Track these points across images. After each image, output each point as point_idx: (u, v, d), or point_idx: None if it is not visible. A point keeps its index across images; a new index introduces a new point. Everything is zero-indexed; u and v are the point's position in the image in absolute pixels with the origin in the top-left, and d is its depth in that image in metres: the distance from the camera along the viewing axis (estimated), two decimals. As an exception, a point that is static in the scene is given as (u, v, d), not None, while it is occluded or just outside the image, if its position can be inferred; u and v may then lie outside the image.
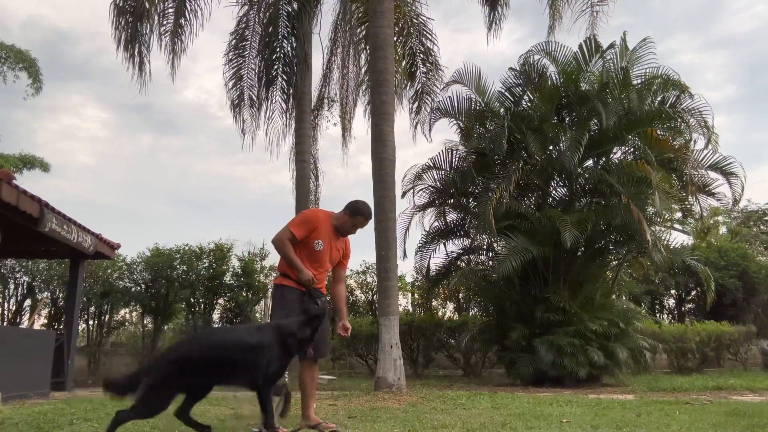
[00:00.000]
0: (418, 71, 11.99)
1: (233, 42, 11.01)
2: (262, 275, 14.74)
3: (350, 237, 4.21)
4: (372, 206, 8.12)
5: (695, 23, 69.71)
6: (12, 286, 13.86)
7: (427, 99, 11.99)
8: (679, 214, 10.67)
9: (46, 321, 13.57)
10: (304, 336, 3.29)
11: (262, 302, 14.97)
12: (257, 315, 14.23)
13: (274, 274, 3.99)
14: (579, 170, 9.61)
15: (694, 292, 15.71)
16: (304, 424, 3.87)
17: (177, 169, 57.13)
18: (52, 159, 51.45)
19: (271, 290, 3.98)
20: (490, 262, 11.06)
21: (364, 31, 11.82)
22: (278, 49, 10.55)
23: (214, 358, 3.05)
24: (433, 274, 11.87)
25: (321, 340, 3.87)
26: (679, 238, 25.43)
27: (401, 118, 14.84)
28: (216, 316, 14.71)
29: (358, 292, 15.38)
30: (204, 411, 4.94)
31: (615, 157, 10.12)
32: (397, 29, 11.12)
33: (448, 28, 53.63)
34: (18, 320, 13.75)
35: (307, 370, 3.98)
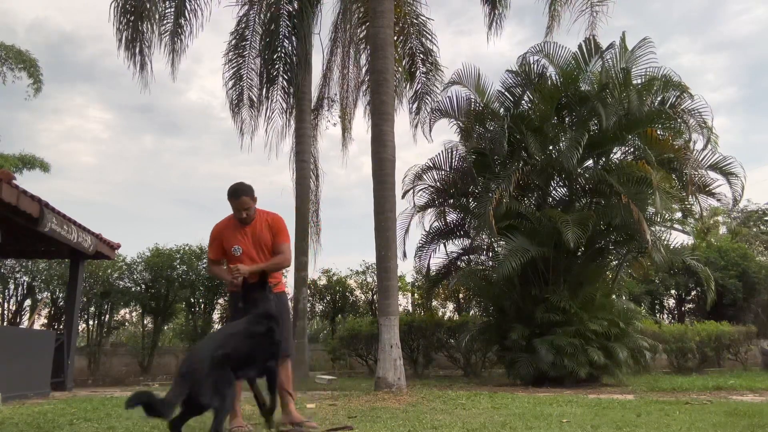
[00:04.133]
0: (418, 71, 12.01)
1: (233, 42, 11.04)
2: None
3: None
4: (372, 206, 8.18)
5: (696, 26, 69.82)
6: (12, 286, 13.85)
7: (427, 99, 12.01)
8: (679, 214, 10.67)
9: (46, 321, 13.56)
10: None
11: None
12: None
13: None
14: (579, 170, 9.60)
15: (694, 292, 15.71)
16: (287, 420, 3.89)
17: (180, 169, 57.29)
18: (56, 160, 51.62)
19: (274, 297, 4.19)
20: (490, 262, 11.06)
21: (364, 31, 11.83)
22: (279, 49, 10.57)
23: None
24: (433, 274, 11.86)
25: (283, 338, 3.92)
26: (679, 238, 25.50)
27: (401, 118, 14.85)
28: (216, 316, 14.71)
29: (358, 292, 15.38)
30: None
31: (615, 157, 10.12)
32: (397, 29, 11.13)
33: (450, 31, 53.73)
34: (18, 320, 13.75)
35: (282, 369, 4.03)
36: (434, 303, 15.41)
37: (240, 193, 3.91)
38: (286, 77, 10.70)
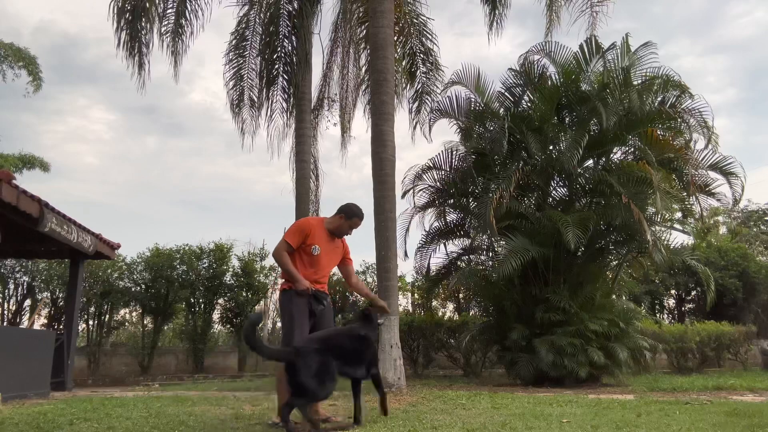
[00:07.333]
0: (419, 71, 11.99)
1: (233, 42, 11.03)
2: (262, 275, 14.72)
3: (348, 237, 4.45)
4: (372, 206, 8.18)
5: (696, 28, 69.92)
6: (12, 286, 13.87)
7: (427, 99, 11.99)
8: (679, 214, 10.66)
9: (46, 321, 13.57)
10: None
11: (262, 302, 14.95)
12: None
13: (277, 278, 4.30)
14: (579, 170, 9.59)
15: (694, 292, 15.71)
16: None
17: (182, 170, 57.28)
18: (60, 161, 51.62)
19: (278, 294, 4.55)
20: (490, 262, 11.05)
21: (364, 31, 11.82)
22: (279, 49, 10.56)
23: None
24: (433, 274, 11.85)
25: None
26: (679, 238, 25.49)
27: (401, 118, 14.85)
28: (216, 316, 14.72)
29: (358, 292, 15.34)
30: (204, 411, 4.94)
31: (615, 157, 10.11)
32: (397, 29, 11.11)
33: (452, 33, 53.82)
34: (18, 320, 13.76)
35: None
36: (434, 303, 15.41)
37: (362, 217, 4.40)
38: (286, 77, 10.69)
